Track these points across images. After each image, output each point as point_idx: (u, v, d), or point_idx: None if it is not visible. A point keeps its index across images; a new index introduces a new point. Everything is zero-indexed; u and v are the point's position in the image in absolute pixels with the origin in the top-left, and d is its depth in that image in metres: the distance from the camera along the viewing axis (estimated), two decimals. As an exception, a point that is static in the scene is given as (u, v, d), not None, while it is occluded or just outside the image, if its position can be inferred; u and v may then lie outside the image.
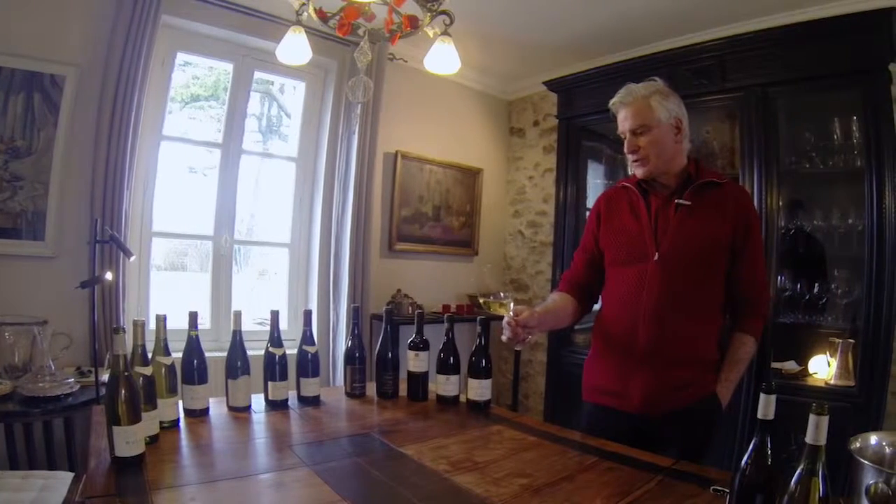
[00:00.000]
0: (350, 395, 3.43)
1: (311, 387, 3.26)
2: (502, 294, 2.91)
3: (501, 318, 2.95)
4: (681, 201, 2.92)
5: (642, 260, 2.94)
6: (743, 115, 5.00)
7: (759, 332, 3.03)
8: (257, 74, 6.22)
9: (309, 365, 3.25)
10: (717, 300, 2.97)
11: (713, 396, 2.89)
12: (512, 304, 2.88)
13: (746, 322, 3.00)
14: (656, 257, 2.88)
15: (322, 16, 3.28)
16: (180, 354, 2.80)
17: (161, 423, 2.50)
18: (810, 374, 4.78)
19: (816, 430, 1.40)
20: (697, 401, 2.87)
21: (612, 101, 3.07)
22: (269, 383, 3.11)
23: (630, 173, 3.12)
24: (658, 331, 2.85)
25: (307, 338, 3.28)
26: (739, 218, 2.89)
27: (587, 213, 4.67)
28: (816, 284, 4.75)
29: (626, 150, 3.01)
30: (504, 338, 2.88)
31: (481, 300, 2.95)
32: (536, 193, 8.12)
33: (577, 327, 5.81)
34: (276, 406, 3.10)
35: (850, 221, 4.59)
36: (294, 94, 6.79)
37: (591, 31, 6.22)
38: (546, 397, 6.77)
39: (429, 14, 3.27)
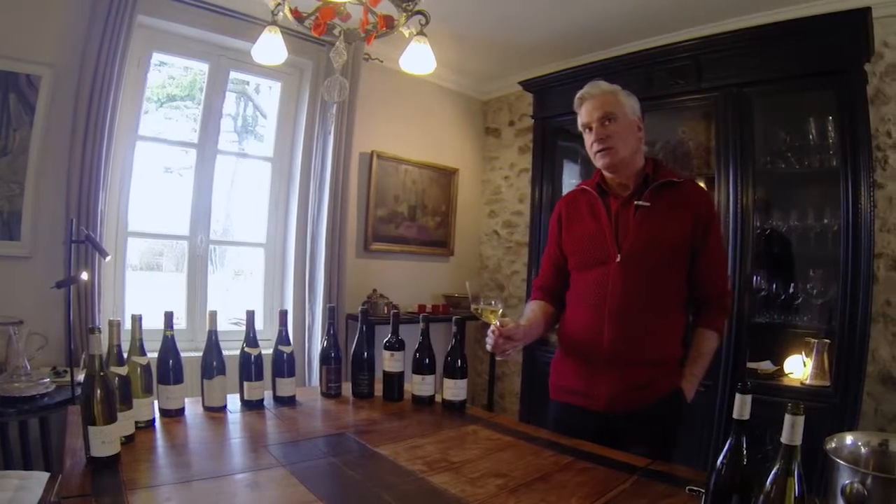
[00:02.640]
0: (326, 395, 3.44)
1: (286, 387, 3.27)
2: (493, 301, 2.91)
3: (477, 317, 2.96)
4: (640, 202, 2.96)
5: (605, 262, 2.96)
6: (719, 115, 5.01)
7: (722, 327, 3.11)
8: (233, 74, 6.22)
9: (284, 365, 3.26)
10: (680, 298, 3.01)
11: (678, 391, 2.94)
12: (501, 311, 2.89)
13: (709, 317, 3.06)
14: (618, 258, 2.91)
15: (298, 16, 3.29)
16: (156, 354, 2.79)
17: (137, 423, 2.50)
18: (786, 374, 4.78)
19: (792, 429, 1.41)
20: (662, 397, 2.91)
21: (578, 94, 3.09)
22: (245, 383, 3.11)
23: (596, 166, 3.12)
24: (623, 331, 2.88)
25: (283, 338, 3.29)
26: (699, 216, 2.94)
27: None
28: (792, 284, 4.77)
29: (593, 139, 3.01)
30: (488, 347, 2.90)
31: (472, 307, 2.94)
32: (512, 193, 8.15)
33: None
34: (252, 406, 3.10)
35: (825, 221, 4.59)
36: (270, 94, 6.78)
37: (567, 31, 6.25)
38: (521, 397, 6.77)
39: (404, 14, 3.28)
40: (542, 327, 3.26)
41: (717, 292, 3.06)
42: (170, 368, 2.82)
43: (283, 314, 3.36)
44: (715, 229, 3.05)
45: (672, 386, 2.94)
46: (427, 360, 3.35)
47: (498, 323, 2.85)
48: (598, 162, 3.03)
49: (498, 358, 3.01)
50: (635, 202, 2.97)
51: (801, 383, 4.56)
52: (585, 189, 3.19)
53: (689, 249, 2.93)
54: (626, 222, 2.97)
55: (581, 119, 3.09)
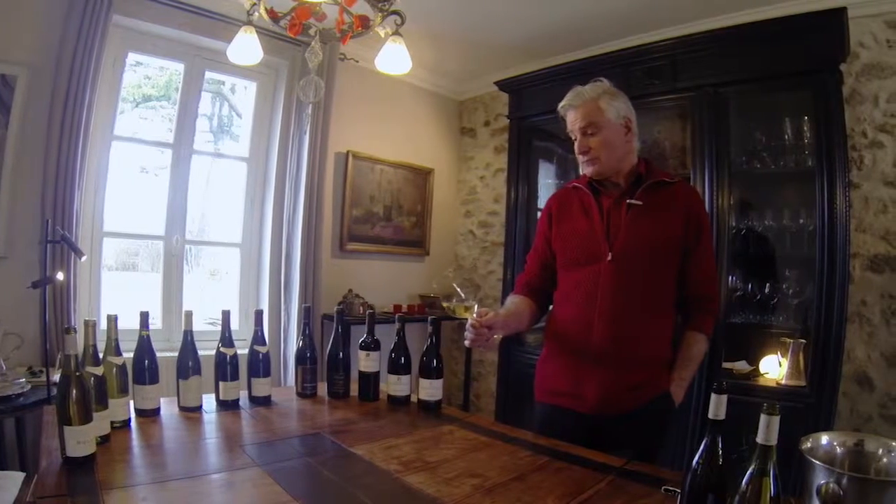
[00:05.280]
0: (301, 395, 3.45)
1: (262, 387, 3.27)
2: (465, 297, 2.90)
3: (455, 318, 2.96)
4: (632, 201, 2.94)
5: (596, 260, 2.94)
6: (694, 115, 5.03)
7: (711, 330, 3.07)
8: (208, 74, 6.22)
9: (260, 365, 3.26)
10: (670, 299, 3.00)
11: (666, 395, 2.93)
12: (476, 307, 2.88)
13: (698, 320, 3.04)
14: (609, 257, 2.89)
15: (273, 16, 3.29)
16: (131, 354, 2.79)
17: (112, 423, 2.50)
18: (761, 374, 4.80)
19: (767, 429, 1.42)
20: (651, 400, 2.90)
21: (560, 105, 3.08)
22: (221, 383, 3.11)
23: (581, 173, 3.12)
24: (613, 331, 2.87)
25: (258, 338, 3.29)
26: (691, 217, 2.93)
27: (538, 213, 4.64)
28: (767, 284, 4.78)
29: (576, 150, 3.02)
30: (467, 342, 2.87)
31: (444, 304, 2.93)
32: (488, 193, 8.18)
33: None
34: (228, 406, 3.11)
35: (801, 221, 4.61)
36: (245, 94, 6.78)
37: (542, 31, 6.26)
38: (497, 397, 6.76)
39: (380, 14, 3.28)
40: (524, 321, 3.24)
41: (706, 294, 3.05)
42: (145, 368, 2.82)
43: (259, 314, 3.37)
44: (706, 231, 3.06)
45: (661, 389, 2.94)
46: (403, 360, 3.36)
47: (475, 314, 2.83)
48: (584, 170, 3.04)
49: (481, 349, 3.00)
50: (627, 201, 2.96)
51: (777, 383, 4.58)
52: (577, 186, 3.17)
53: (680, 249, 2.93)
54: (617, 221, 2.96)
55: (567, 125, 3.09)
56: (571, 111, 3.03)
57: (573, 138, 3.05)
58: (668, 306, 3.02)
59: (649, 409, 2.89)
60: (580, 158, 3.02)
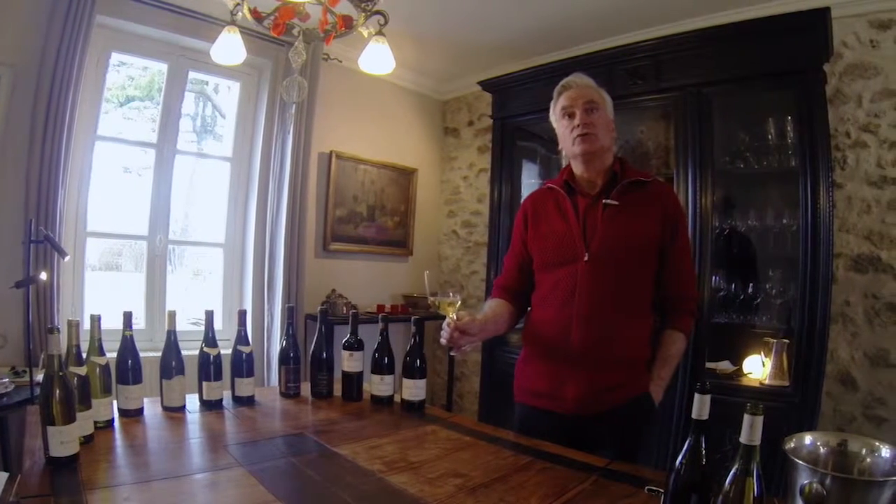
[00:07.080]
0: (284, 395, 3.45)
1: (245, 387, 3.27)
2: (450, 293, 2.88)
3: (439, 318, 2.95)
4: (608, 201, 2.94)
5: (573, 261, 2.93)
6: (678, 115, 5.02)
7: (690, 329, 3.07)
8: (192, 74, 6.21)
9: (243, 365, 3.26)
10: (647, 299, 2.99)
11: (646, 395, 2.92)
12: (459, 304, 2.87)
13: (677, 319, 3.03)
14: (586, 258, 2.88)
15: (257, 16, 3.30)
16: (115, 354, 2.80)
17: (96, 423, 2.49)
18: (745, 374, 4.81)
19: (751, 429, 1.43)
20: (630, 400, 2.89)
21: (563, 82, 3.08)
22: (204, 383, 3.11)
23: (574, 152, 3.05)
24: (591, 331, 2.85)
25: (242, 338, 3.29)
26: (667, 216, 2.93)
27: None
28: (751, 284, 4.78)
29: (575, 124, 2.96)
30: (442, 340, 2.85)
31: (430, 299, 2.93)
32: (471, 193, 8.18)
33: (511, 327, 5.83)
34: (211, 406, 3.11)
35: (784, 221, 4.62)
36: (228, 94, 6.77)
37: (526, 31, 6.28)
38: (481, 397, 6.79)
39: (363, 14, 3.29)
40: (502, 325, 3.22)
41: (684, 293, 3.05)
42: (129, 368, 2.82)
43: (242, 314, 3.36)
44: (683, 229, 3.06)
45: (640, 389, 2.92)
46: (386, 360, 3.36)
47: (454, 316, 2.83)
48: (577, 147, 2.98)
49: (453, 354, 2.99)
50: (604, 200, 2.95)
51: (760, 383, 4.59)
52: (552, 187, 3.16)
53: (657, 249, 2.92)
54: (594, 221, 2.94)
55: (561, 103, 3.05)
56: (574, 89, 3.02)
57: (567, 117, 3.03)
58: (646, 306, 3.02)
59: (628, 410, 2.88)
60: (577, 132, 2.96)
